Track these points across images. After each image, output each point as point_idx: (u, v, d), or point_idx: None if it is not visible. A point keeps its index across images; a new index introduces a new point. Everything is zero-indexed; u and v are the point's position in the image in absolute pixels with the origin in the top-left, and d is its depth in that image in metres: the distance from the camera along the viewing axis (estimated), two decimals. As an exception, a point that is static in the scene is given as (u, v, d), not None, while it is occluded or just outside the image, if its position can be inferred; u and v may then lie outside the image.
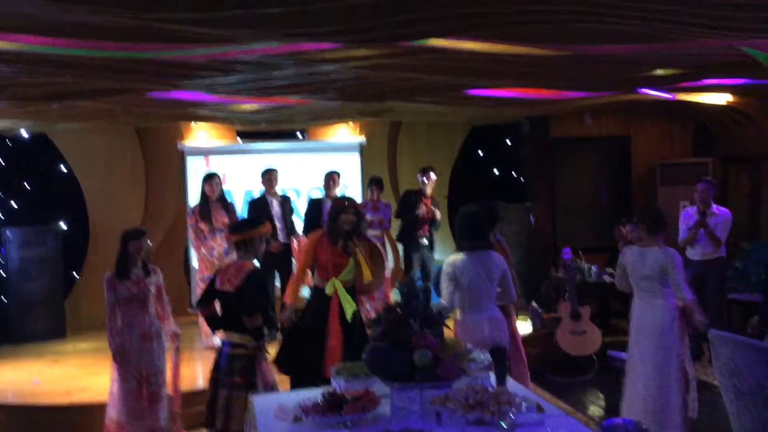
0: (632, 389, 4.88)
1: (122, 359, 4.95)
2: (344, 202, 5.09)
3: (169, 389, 5.17)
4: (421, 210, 7.92)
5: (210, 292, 4.71)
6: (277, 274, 7.82)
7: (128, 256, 4.96)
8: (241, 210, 8.69)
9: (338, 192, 7.88)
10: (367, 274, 5.00)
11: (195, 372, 6.78)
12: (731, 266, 7.90)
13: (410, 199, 8.09)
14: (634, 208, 9.15)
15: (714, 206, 7.02)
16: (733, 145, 9.16)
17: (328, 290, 4.95)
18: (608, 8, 3.05)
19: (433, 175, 8.07)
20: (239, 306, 4.43)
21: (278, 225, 7.68)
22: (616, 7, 3.02)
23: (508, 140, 10.25)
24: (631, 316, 4.94)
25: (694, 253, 7.14)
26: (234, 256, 7.27)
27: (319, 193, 8.59)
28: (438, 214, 8.06)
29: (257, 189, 9.00)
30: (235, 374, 4.42)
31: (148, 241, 5.06)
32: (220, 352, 4.56)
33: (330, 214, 5.13)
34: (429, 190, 8.10)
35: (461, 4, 2.99)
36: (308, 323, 5.04)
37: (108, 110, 6.95)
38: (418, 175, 8.15)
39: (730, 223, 6.98)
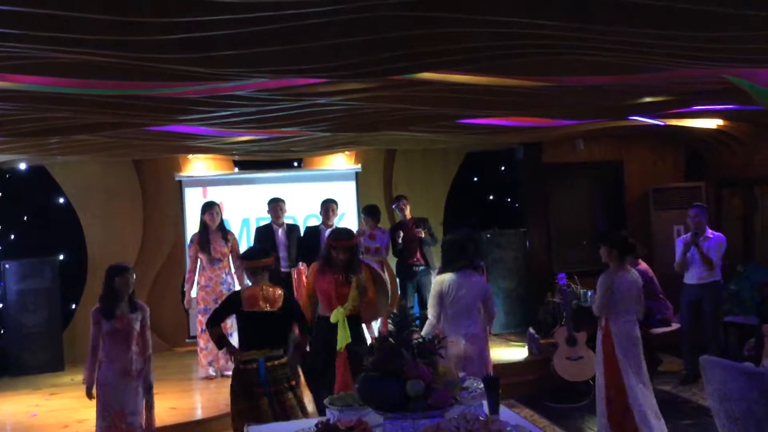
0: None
1: (98, 395, 4.94)
2: (334, 244, 5.22)
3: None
4: (398, 237, 8.04)
5: (222, 313, 4.94)
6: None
7: (114, 293, 4.90)
8: (239, 237, 8.74)
9: (335, 220, 7.96)
10: (371, 296, 5.32)
11: (193, 403, 6.78)
12: (726, 289, 7.92)
13: (393, 234, 8.20)
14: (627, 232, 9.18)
15: (708, 231, 7.06)
16: (725, 168, 9.24)
17: (333, 318, 5.15)
18: (588, 41, 3.13)
19: (404, 201, 8.30)
20: (280, 324, 4.82)
21: (281, 254, 7.71)
22: (595, 41, 3.10)
23: (502, 166, 10.34)
24: (616, 338, 5.30)
25: (689, 277, 7.17)
26: (235, 284, 7.42)
27: (316, 221, 8.65)
28: (422, 233, 8.12)
29: (254, 217, 9.07)
30: (280, 381, 4.71)
31: (134, 276, 5.00)
32: (252, 371, 4.68)
33: (323, 251, 5.36)
34: (408, 214, 8.25)
35: (445, 41, 3.08)
36: (319, 353, 5.26)
37: (106, 143, 7.03)
38: (393, 207, 8.41)
39: (724, 246, 7.01)
